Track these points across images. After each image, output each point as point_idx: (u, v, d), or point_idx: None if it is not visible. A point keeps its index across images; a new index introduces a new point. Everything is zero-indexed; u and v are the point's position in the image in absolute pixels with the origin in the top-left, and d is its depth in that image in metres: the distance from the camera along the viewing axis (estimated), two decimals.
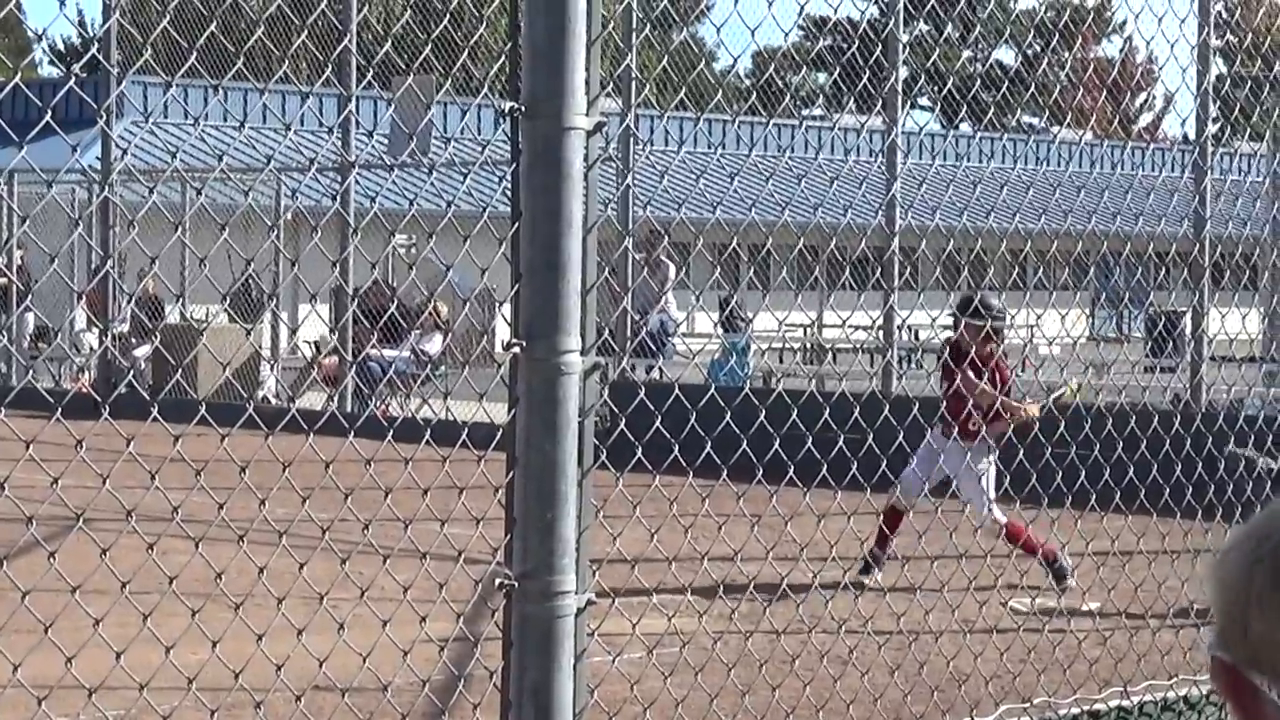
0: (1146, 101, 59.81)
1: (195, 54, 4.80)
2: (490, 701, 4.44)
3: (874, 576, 10.94)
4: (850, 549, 6.91)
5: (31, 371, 23.84)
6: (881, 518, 11.02)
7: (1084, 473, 7.93)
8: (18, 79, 4.64)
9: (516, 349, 4.00)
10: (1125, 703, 7.52)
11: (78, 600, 4.27)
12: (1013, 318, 11.53)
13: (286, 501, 5.03)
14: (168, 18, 7.26)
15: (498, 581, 4.04)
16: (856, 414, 6.86)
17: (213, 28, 5.58)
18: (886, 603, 7.53)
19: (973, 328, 11.04)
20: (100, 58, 22.48)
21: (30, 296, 8.63)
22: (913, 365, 23.35)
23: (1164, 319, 20.73)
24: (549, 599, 4.02)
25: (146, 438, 4.30)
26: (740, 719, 6.59)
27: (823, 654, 7.59)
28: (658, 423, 5.31)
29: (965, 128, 46.84)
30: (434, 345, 22.66)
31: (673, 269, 21.53)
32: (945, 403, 10.46)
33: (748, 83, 47.32)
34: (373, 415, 18.93)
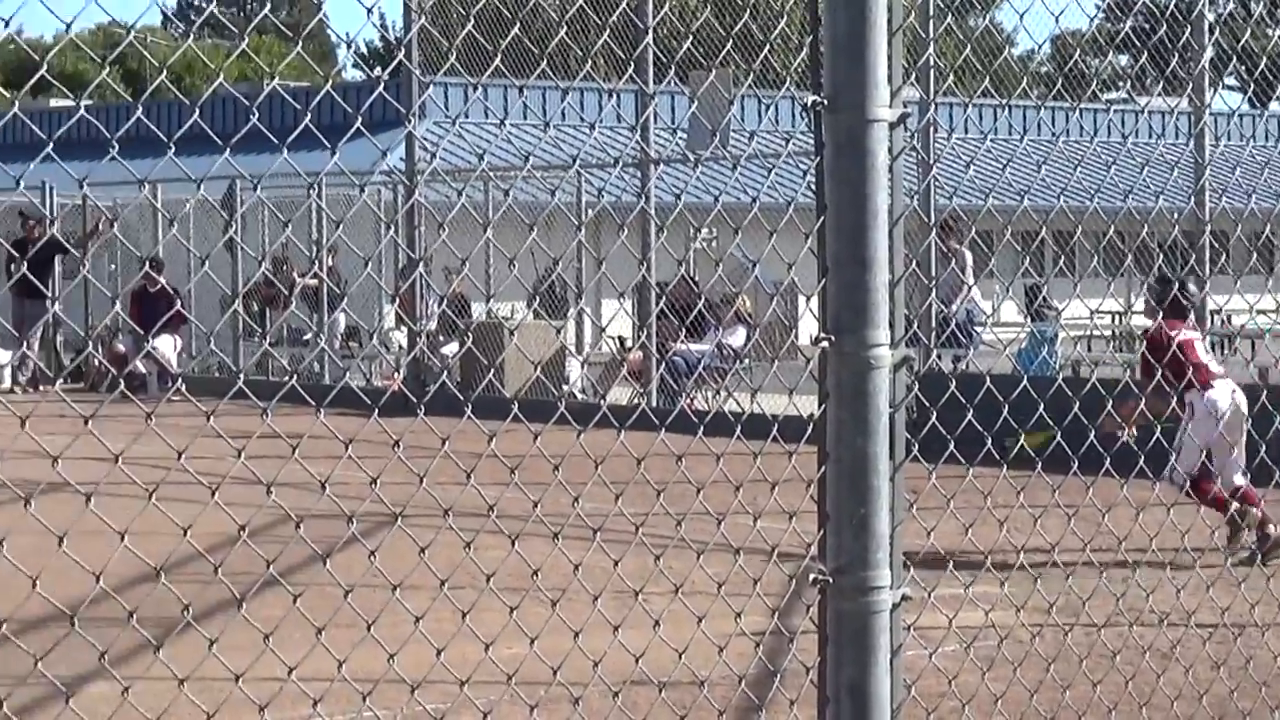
0: None
1: (499, 55, 4.84)
2: (806, 697, 4.41)
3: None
4: (1168, 540, 6.74)
5: (348, 371, 24.32)
6: (1225, 510, 10.83)
7: None
8: (328, 85, 4.72)
9: (825, 343, 3.96)
10: None
11: (397, 597, 4.32)
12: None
13: (597, 497, 5.05)
14: (471, 21, 7.37)
15: (811, 577, 4.01)
16: (1173, 404, 6.68)
17: (515, 30, 5.63)
18: (1209, 596, 7.32)
19: (1158, 311, 10.87)
20: (405, 61, 22.89)
21: (345, 299, 8.82)
22: (1227, 351, 22.77)
23: None
24: (863, 594, 3.98)
25: (459, 435, 4.34)
26: (1061, 715, 6.47)
27: (1144, 648, 7.42)
28: (970, 415, 5.22)
29: (1277, 107, 45.56)
30: (738, 339, 22.70)
31: (970, 257, 21.24)
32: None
33: (1046, 68, 46.59)
34: (681, 410, 19.00)
